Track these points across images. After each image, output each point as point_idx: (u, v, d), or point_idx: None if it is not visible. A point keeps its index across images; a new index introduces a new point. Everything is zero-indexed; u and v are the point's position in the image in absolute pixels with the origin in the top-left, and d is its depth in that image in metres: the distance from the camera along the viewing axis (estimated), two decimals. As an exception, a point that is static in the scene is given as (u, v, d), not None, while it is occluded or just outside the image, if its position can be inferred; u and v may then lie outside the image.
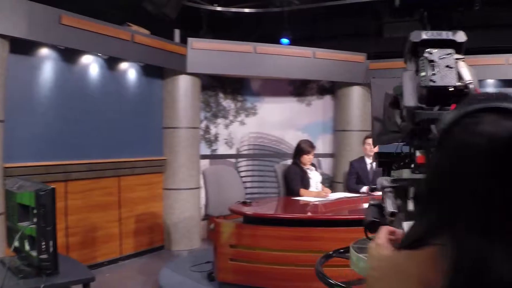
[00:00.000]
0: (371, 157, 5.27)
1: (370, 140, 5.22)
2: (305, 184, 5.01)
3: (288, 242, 3.99)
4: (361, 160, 5.49)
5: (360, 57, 6.68)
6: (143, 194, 5.63)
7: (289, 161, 7.06)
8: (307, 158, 5.07)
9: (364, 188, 5.18)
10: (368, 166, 5.38)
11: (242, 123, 6.91)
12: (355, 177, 5.39)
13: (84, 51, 4.82)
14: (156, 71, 5.80)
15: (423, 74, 1.66)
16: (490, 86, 6.44)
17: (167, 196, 5.93)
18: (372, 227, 1.79)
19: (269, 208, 4.70)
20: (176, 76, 5.91)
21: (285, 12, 7.36)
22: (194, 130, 6.10)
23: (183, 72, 5.88)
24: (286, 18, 7.39)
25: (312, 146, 5.11)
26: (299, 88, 7.12)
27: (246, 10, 7.27)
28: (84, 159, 4.85)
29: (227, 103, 6.81)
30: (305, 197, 4.79)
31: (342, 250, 2.75)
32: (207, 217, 6.58)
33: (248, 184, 6.86)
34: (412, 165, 1.77)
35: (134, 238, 5.48)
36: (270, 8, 7.37)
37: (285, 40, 7.48)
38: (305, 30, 7.74)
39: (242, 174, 6.97)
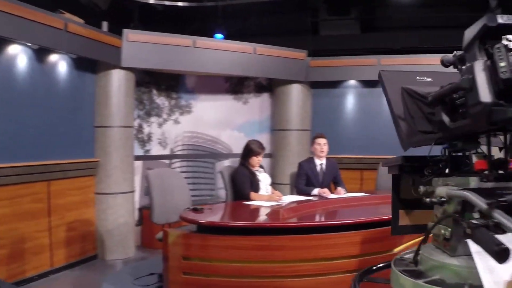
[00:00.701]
0: (322, 158, 5.36)
1: (320, 140, 5.31)
2: (255, 187, 4.89)
3: (249, 252, 3.68)
4: (310, 160, 5.44)
5: (301, 54, 6.74)
6: (74, 199, 5.24)
7: (226, 162, 7.18)
8: (256, 160, 4.94)
9: (316, 191, 5.09)
10: (318, 167, 5.36)
11: (176, 121, 6.71)
12: (305, 178, 5.33)
13: (11, 40, 4.38)
14: (89, 65, 5.44)
15: (502, 64, 1.47)
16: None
17: (100, 201, 5.59)
18: (504, 256, 1.41)
19: (224, 215, 4.45)
20: (109, 70, 5.58)
21: (219, 7, 7.29)
22: (128, 129, 5.80)
23: (117, 66, 5.58)
24: (220, 13, 7.33)
25: (262, 147, 4.99)
26: (236, 86, 7.07)
27: (180, 3, 7.10)
28: (10, 162, 4.43)
29: (161, 100, 6.57)
30: (257, 202, 4.62)
31: (378, 266, 2.54)
32: (141, 223, 6.38)
33: (183, 187, 6.70)
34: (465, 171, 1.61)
35: (65, 248, 5.09)
36: (204, 2, 7.26)
37: (219, 36, 7.40)
38: (238, 26, 7.71)
39: (177, 175, 6.81)
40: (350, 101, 7.03)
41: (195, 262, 3.75)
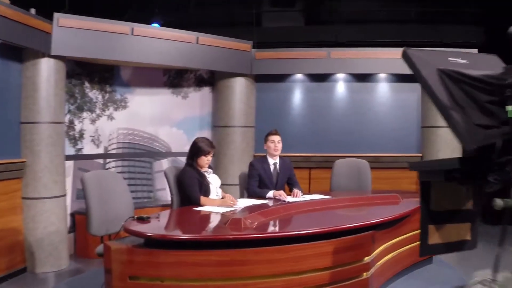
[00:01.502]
0: (275, 157, 5.17)
1: (274, 137, 5.12)
2: (205, 190, 4.58)
3: (207, 269, 3.26)
4: (263, 160, 5.19)
5: (246, 45, 6.58)
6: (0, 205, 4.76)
7: (164, 161, 6.91)
8: (205, 160, 4.63)
9: (270, 193, 4.87)
10: (271, 167, 5.16)
11: (110, 117, 6.29)
12: (257, 179, 5.08)
13: None
14: (14, 52, 4.92)
15: None
16: (383, 81, 6.94)
17: (28, 206, 5.07)
18: None
19: (175, 226, 4.03)
20: (38, 59, 5.08)
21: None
22: (58, 126, 5.31)
23: (47, 54, 5.11)
24: (156, 2, 7.02)
25: (211, 145, 4.70)
26: (175, 79, 6.77)
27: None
28: None
29: (94, 94, 6.14)
30: (208, 207, 4.30)
31: None
32: (74, 229, 5.92)
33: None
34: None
35: (-10, 262, 4.61)
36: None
37: (155, 25, 7.07)
38: (176, 16, 7.42)
39: (111, 177, 6.41)
40: (297, 96, 6.98)
41: (144, 282, 3.27)
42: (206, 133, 6.86)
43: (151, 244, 3.35)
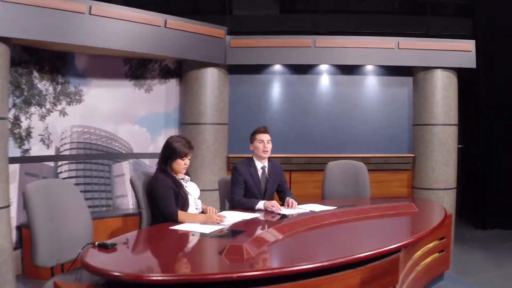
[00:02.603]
0: (264, 159, 4.51)
1: (263, 136, 4.45)
2: (182, 202, 3.85)
3: None
4: (250, 163, 4.49)
5: (219, 31, 5.95)
6: None
7: (125, 164, 6.21)
8: (182, 164, 3.90)
9: (261, 204, 4.18)
10: (260, 172, 4.48)
11: (63, 113, 5.50)
12: (243, 187, 4.39)
13: None
14: None
15: None
16: (371, 73, 6.47)
17: (-36, 220, 4.29)
18: None
19: (152, 257, 3.01)
20: (-24, 41, 4.32)
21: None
22: (1, 122, 4.52)
23: (-13, 35, 4.34)
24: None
25: (189, 145, 3.94)
26: (137, 69, 6.04)
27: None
28: None
29: (44, 85, 5.33)
30: (189, 225, 3.55)
31: None
32: (21, 245, 5.13)
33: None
34: None
35: None
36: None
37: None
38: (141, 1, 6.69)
39: (63, 182, 5.64)
40: (276, 90, 6.44)
41: None
42: (173, 131, 6.19)
43: (120, 285, 2.47)
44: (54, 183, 3.73)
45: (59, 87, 5.49)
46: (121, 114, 5.98)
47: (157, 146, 6.16)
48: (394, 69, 6.35)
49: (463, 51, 6.13)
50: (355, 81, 6.48)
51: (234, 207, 4.30)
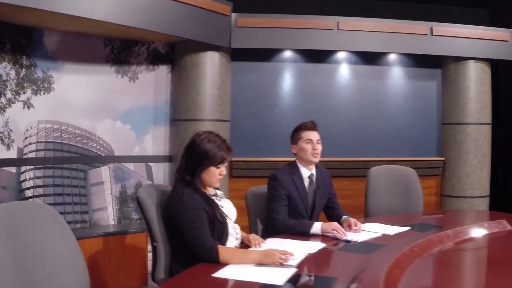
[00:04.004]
0: (311, 166, 3.44)
1: (312, 134, 3.39)
2: (220, 231, 2.66)
3: None
4: (293, 170, 3.43)
5: (224, 6, 4.89)
6: None
7: (103, 169, 5.11)
8: (216, 174, 2.70)
9: (317, 227, 3.09)
10: (306, 182, 3.42)
11: (28, 104, 4.29)
12: (286, 204, 3.31)
13: None
14: None
15: None
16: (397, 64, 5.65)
17: None
18: None
19: None
20: None
21: None
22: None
23: None
24: None
25: (227, 147, 2.75)
26: (120, 52, 4.91)
27: None
28: None
29: (4, 68, 4.09)
30: (242, 270, 2.31)
31: None
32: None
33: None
34: None
35: None
36: None
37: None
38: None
39: (28, 193, 4.44)
40: (287, 81, 5.44)
41: None
42: (162, 129, 5.14)
43: None
44: (22, 209, 2.20)
45: (23, 72, 4.27)
46: (100, 108, 4.83)
47: (143, 148, 5.09)
48: (422, 59, 5.53)
49: (499, 40, 5.42)
50: (378, 72, 5.60)
51: (277, 231, 3.14)
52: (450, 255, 2.87)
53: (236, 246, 2.73)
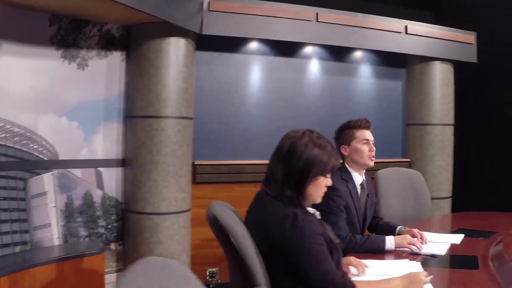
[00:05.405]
0: (363, 171, 3.02)
1: (368, 134, 3.00)
2: (336, 258, 2.07)
3: None
4: (346, 177, 2.95)
5: (196, -14, 4.22)
6: None
7: (47, 176, 4.22)
8: (323, 186, 2.13)
9: (391, 242, 2.68)
10: (359, 189, 2.98)
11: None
12: (345, 217, 2.83)
13: None
14: None
15: None
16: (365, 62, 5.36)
17: None
18: None
19: None
20: None
21: None
22: None
23: None
24: None
25: (335, 150, 2.19)
26: (68, 33, 4.01)
27: None
28: None
29: None
30: None
31: None
32: None
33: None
34: None
35: None
36: None
37: None
38: None
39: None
40: (255, 76, 4.89)
41: None
42: (114, 128, 4.33)
43: None
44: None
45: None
46: (43, 100, 3.89)
47: (93, 150, 4.23)
48: (389, 58, 5.32)
49: (464, 42, 5.39)
50: (347, 70, 5.27)
51: (349, 250, 2.63)
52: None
53: None
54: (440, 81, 5.41)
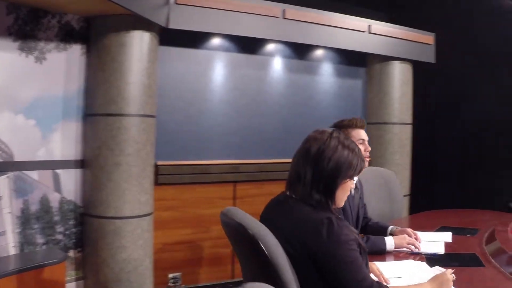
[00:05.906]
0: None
1: (363, 134, 2.95)
2: (366, 260, 1.99)
3: None
4: None
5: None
6: None
7: (2, 177, 3.91)
8: (348, 190, 2.03)
9: (390, 243, 2.68)
10: (353, 190, 2.93)
11: None
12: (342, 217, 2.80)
13: None
14: None
15: None
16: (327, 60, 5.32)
17: None
18: None
19: None
20: None
21: None
22: None
23: None
24: None
25: (360, 151, 2.08)
26: (26, 23, 3.70)
27: None
28: None
29: None
30: None
31: None
32: None
33: None
34: None
35: None
36: None
37: None
38: None
39: None
40: (218, 73, 4.76)
41: None
42: (72, 127, 4.06)
43: None
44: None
45: None
46: (-3, 96, 3.63)
47: (50, 150, 3.95)
48: (350, 57, 5.34)
49: (423, 43, 5.48)
50: (309, 68, 5.23)
51: None
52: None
53: None
54: (400, 81, 5.50)
